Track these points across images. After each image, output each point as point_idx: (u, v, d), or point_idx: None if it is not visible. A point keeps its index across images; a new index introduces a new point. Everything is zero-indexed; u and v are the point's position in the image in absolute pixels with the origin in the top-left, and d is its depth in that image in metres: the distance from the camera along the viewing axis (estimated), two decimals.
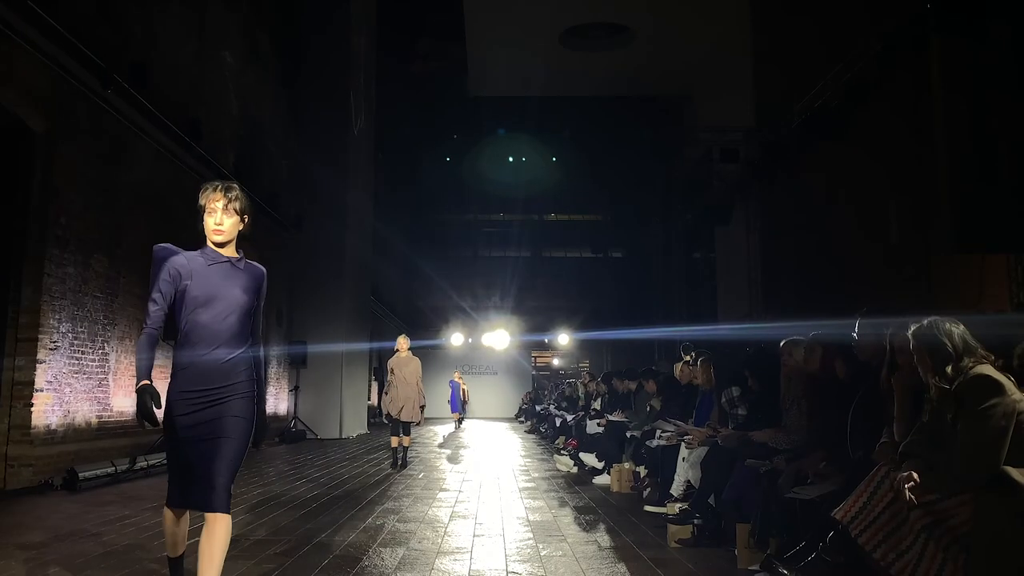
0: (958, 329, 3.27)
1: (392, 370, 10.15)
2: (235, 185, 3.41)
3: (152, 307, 3.30)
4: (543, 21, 17.00)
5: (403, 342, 10.29)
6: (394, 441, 10.23)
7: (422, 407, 10.24)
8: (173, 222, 10.89)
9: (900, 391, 3.63)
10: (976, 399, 3.09)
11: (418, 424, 10.48)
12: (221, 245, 3.41)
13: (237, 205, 3.37)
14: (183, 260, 3.36)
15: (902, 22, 8.71)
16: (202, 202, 3.35)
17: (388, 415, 10.20)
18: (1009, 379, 3.16)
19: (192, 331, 3.30)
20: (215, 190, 3.35)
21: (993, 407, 3.05)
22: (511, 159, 26.51)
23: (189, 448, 3.31)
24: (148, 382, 3.17)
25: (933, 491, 3.10)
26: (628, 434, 8.75)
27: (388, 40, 20.93)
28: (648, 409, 8.73)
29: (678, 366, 9.73)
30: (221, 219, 3.35)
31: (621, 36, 17.60)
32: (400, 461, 10.15)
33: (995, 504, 2.98)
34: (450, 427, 21.88)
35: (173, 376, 3.34)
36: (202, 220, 3.37)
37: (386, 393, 10.21)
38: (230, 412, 3.35)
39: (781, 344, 5.34)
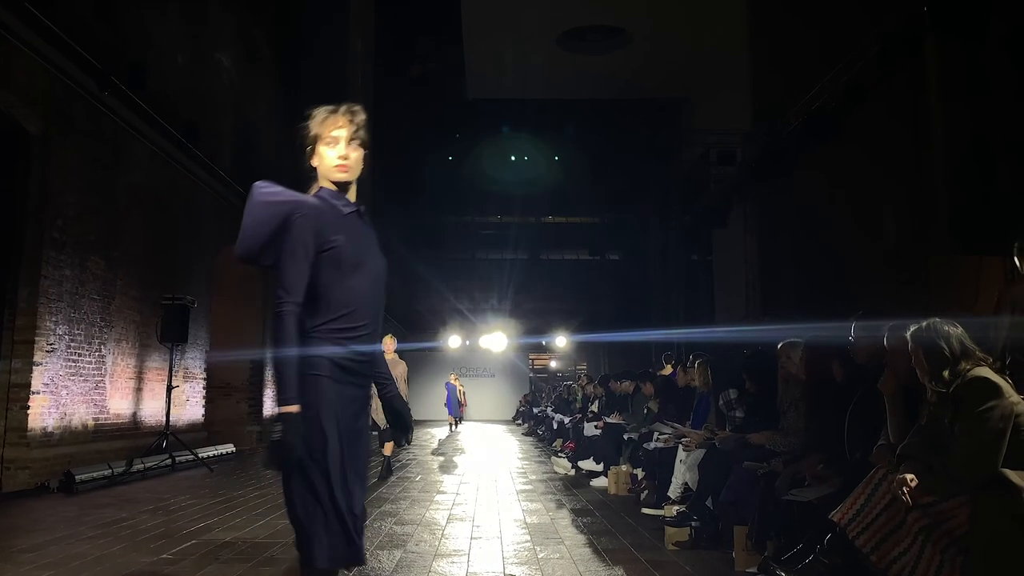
0: (956, 331, 3.27)
1: None
2: (360, 108, 2.64)
3: (294, 271, 2.39)
4: (541, 24, 17.00)
5: (389, 343, 9.48)
6: (386, 448, 9.65)
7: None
8: (171, 224, 10.90)
9: (890, 393, 3.63)
10: (974, 401, 3.09)
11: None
12: (344, 188, 2.62)
13: (363, 135, 2.61)
14: (320, 205, 2.52)
15: (899, 24, 8.73)
16: (316, 130, 2.58)
17: (374, 423, 9.74)
18: (1007, 381, 3.16)
19: (346, 305, 2.45)
20: (336, 113, 2.58)
21: (991, 409, 3.05)
22: (513, 158, 26.47)
23: (351, 471, 2.46)
24: (299, 409, 2.33)
25: (931, 493, 3.09)
26: (625, 436, 8.74)
27: (386, 42, 20.93)
28: (645, 411, 8.73)
29: (663, 373, 9.78)
30: (346, 152, 2.58)
31: (618, 38, 17.62)
32: (385, 469, 9.53)
33: (993, 506, 2.99)
34: (446, 430, 21.85)
35: (319, 370, 2.41)
36: (307, 154, 2.61)
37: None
38: (369, 420, 2.67)
39: (779, 346, 5.33)
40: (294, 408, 2.34)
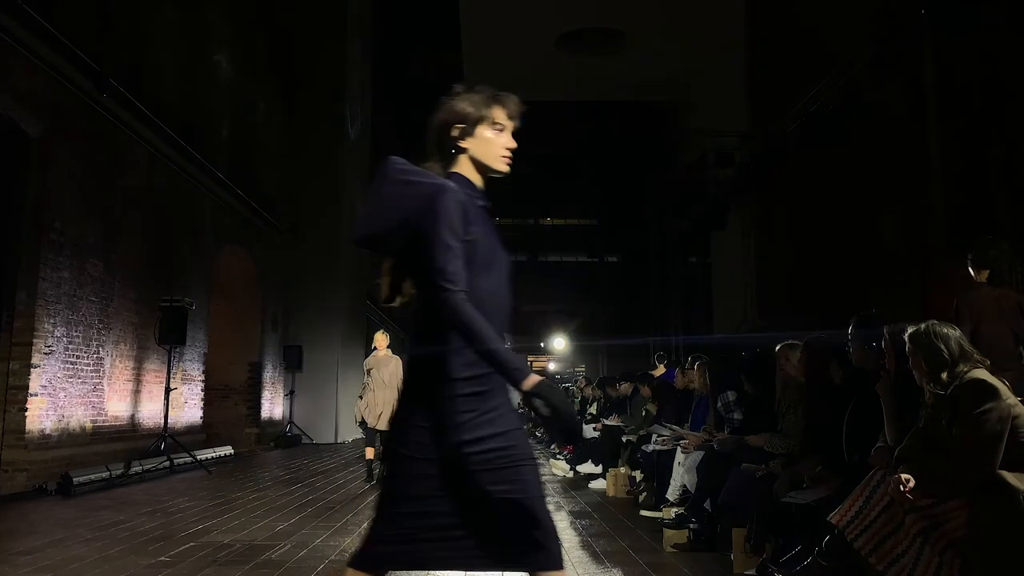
0: (955, 333, 3.28)
1: (368, 371, 9.22)
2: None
3: (452, 257, 2.06)
4: (538, 26, 17.03)
5: (381, 339, 9.26)
6: (369, 452, 9.20)
7: None
8: (169, 226, 10.90)
9: (886, 395, 3.64)
10: (971, 403, 3.09)
11: None
12: (482, 179, 2.31)
13: None
14: (461, 191, 2.19)
15: (897, 26, 8.75)
16: (484, 111, 2.27)
17: (363, 422, 9.17)
18: (1004, 384, 3.17)
19: (482, 306, 2.08)
20: (509, 100, 2.31)
21: (988, 411, 3.06)
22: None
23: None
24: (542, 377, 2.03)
25: (929, 495, 3.10)
26: (624, 439, 8.75)
27: (384, 45, 20.93)
28: (643, 413, 8.72)
29: (655, 373, 9.78)
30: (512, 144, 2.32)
31: (616, 41, 17.64)
32: (376, 474, 8.98)
33: (990, 508, 2.99)
34: None
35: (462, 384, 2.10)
36: (458, 131, 2.27)
37: (361, 397, 9.28)
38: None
39: (776, 348, 5.34)
40: (537, 377, 2.00)
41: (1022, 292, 5.14)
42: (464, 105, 2.28)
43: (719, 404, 6.20)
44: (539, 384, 1.98)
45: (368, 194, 2.22)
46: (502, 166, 2.30)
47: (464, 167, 2.29)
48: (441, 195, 2.12)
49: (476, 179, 2.30)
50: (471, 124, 2.27)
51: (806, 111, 10.95)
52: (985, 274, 4.93)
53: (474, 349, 2.03)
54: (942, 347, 3.24)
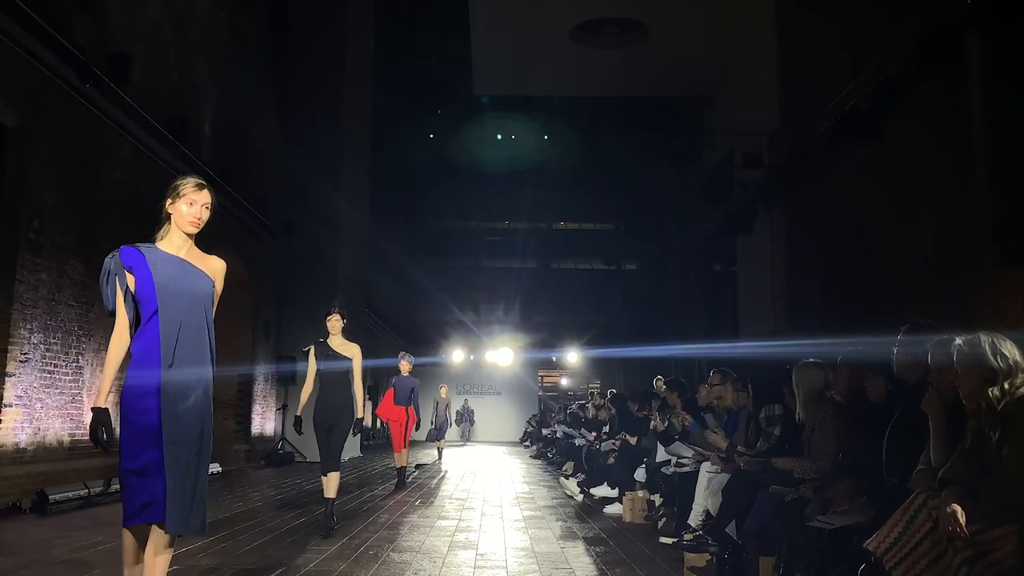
0: (1007, 345, 3.25)
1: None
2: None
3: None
4: (553, 16, 17.02)
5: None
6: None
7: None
8: (154, 226, 10.90)
9: (935, 412, 3.60)
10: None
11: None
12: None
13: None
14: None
15: (940, 16, 8.71)
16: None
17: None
18: None
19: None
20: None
21: None
22: (516, 156, 26.32)
23: None
24: None
25: (975, 521, 3.06)
26: (644, 460, 8.68)
27: (387, 37, 20.96)
28: (666, 423, 8.48)
29: (662, 388, 9.63)
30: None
31: (636, 32, 17.62)
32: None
33: None
34: (448, 451, 21.73)
35: None
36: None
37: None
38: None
39: (794, 369, 5.32)
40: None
41: None
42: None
43: (762, 415, 6.13)
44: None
45: None
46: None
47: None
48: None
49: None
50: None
51: (841, 108, 10.91)
52: None
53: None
54: (1007, 354, 3.21)
